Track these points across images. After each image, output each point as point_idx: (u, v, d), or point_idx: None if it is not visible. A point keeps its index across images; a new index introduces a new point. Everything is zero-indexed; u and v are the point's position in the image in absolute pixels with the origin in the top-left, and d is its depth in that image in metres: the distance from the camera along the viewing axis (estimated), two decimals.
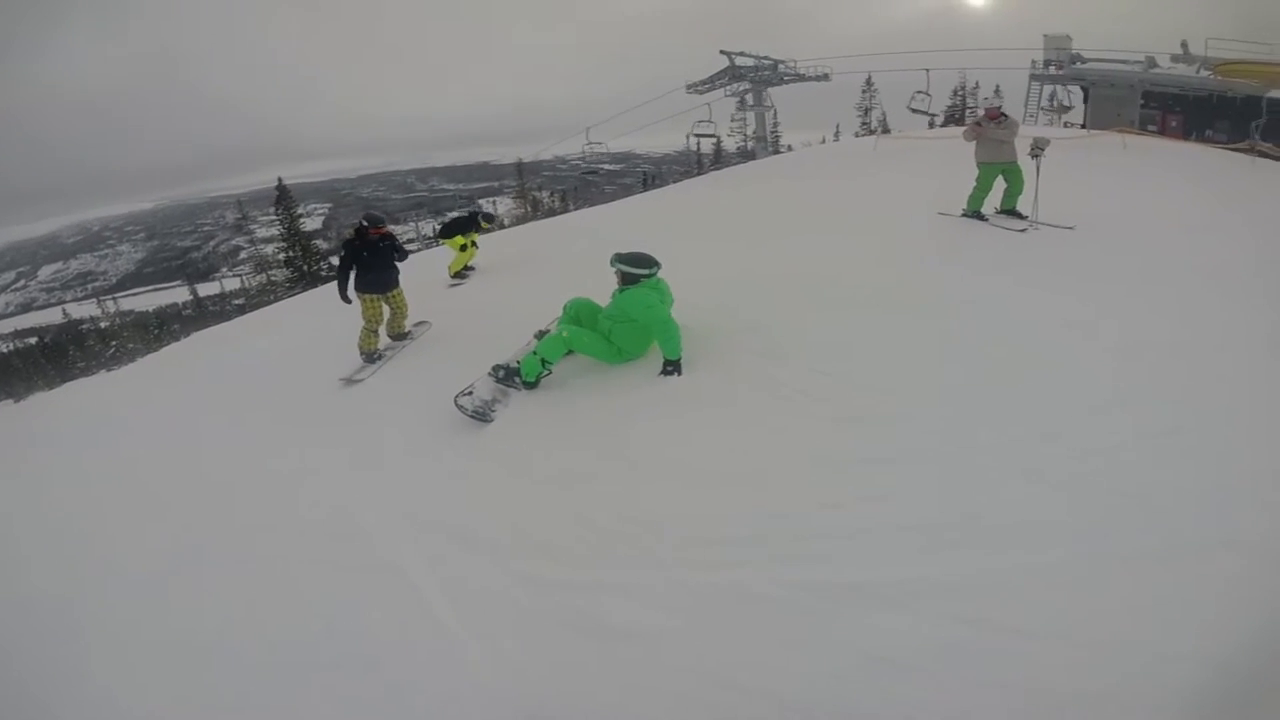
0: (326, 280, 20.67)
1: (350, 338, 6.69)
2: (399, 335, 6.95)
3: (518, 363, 5.09)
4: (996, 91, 37.62)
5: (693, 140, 30.83)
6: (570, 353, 5.08)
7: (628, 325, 4.95)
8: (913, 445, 3.72)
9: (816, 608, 2.80)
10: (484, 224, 9.92)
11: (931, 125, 33.00)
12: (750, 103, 31.81)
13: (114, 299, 47.61)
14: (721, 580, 3.05)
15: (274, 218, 29.79)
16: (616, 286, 5.01)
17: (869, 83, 37.22)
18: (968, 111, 35.43)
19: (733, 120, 36.80)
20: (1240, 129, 18.54)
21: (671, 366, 4.82)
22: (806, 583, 2.93)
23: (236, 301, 39.35)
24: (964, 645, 2.49)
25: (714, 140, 31.44)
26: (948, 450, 3.63)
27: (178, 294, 50.98)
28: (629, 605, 3.02)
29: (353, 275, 6.46)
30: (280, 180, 29.34)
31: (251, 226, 46.08)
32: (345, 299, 6.50)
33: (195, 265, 73.85)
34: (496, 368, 5.17)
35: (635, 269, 4.92)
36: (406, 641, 3.16)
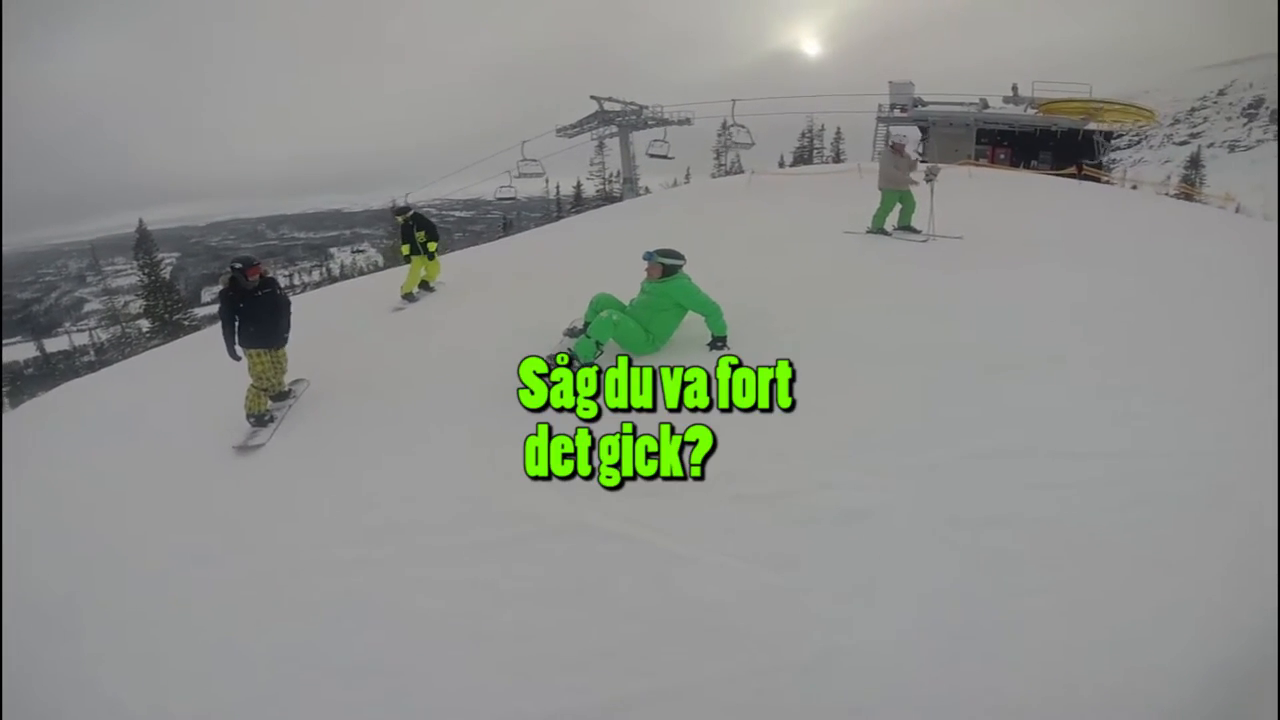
0: (189, 330, 18.98)
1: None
2: (279, 395, 6.09)
3: (569, 348, 5.37)
4: (838, 135, 40.85)
5: (506, 190, 27.57)
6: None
7: (669, 312, 5.41)
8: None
9: (1007, 465, 3.52)
10: (420, 235, 8.78)
11: (782, 164, 35.16)
12: (608, 147, 31.97)
13: None
14: (919, 462, 3.62)
15: (120, 267, 27.21)
16: (647, 280, 5.46)
17: (725, 126, 38.64)
18: (816, 152, 38.10)
19: (592, 164, 37.11)
20: (1062, 158, 21.22)
21: (721, 342, 5.30)
22: (986, 451, 3.63)
23: (86, 358, 35.31)
24: (1114, 469, 3.42)
25: (542, 178, 28.99)
26: (979, 372, 4.55)
27: (20, 350, 44.58)
28: (857, 495, 3.45)
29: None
30: (141, 222, 26.95)
31: (97, 277, 41.52)
32: (233, 355, 5.75)
33: (36, 320, 65.87)
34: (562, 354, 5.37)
35: (675, 260, 5.39)
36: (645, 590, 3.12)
